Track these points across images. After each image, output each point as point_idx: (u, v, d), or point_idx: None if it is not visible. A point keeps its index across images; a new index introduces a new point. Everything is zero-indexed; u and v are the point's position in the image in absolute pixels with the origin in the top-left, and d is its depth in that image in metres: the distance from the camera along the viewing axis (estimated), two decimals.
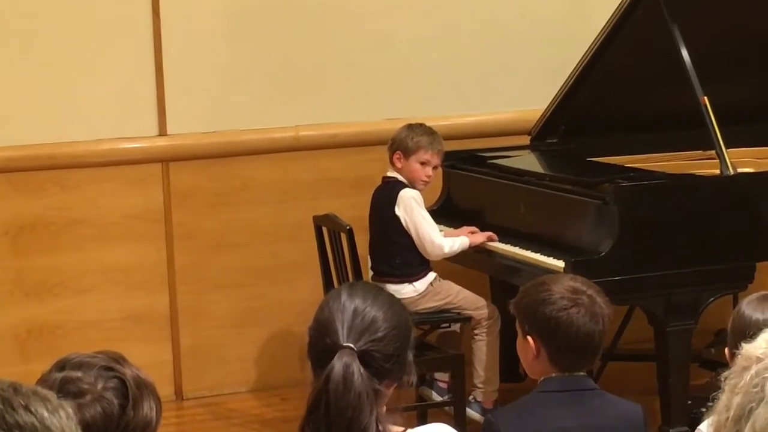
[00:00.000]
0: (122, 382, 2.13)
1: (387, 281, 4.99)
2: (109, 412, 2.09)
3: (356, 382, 2.23)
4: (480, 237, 5.09)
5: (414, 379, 2.42)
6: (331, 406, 2.22)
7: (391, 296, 2.46)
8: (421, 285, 5.08)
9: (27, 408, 1.51)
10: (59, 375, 2.11)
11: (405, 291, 5.01)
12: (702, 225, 4.66)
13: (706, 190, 4.78)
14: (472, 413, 5.09)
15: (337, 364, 2.24)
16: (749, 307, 2.97)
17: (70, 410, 1.55)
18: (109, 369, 2.14)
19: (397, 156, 5.12)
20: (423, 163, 5.11)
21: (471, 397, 5.13)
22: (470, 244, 5.07)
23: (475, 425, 4.81)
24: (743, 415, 1.84)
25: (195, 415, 5.65)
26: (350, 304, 2.33)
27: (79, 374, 2.12)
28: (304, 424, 2.28)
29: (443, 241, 5.05)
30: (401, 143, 5.11)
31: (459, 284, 5.18)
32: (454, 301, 5.10)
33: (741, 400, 1.85)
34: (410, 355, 2.40)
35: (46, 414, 1.52)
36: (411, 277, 5.07)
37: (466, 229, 5.18)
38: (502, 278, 5.29)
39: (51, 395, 1.56)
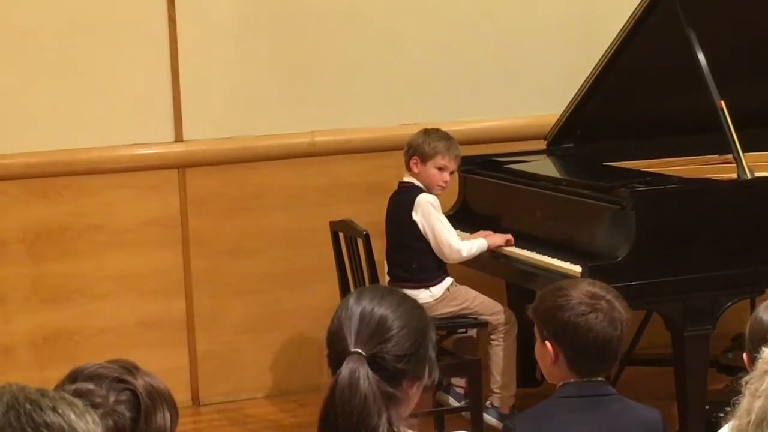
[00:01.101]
0: (134, 394, 2.13)
1: (404, 286, 4.97)
2: (120, 426, 2.09)
3: (362, 387, 2.23)
4: (498, 239, 5.08)
5: (436, 375, 2.40)
6: (338, 412, 2.23)
7: (403, 295, 2.45)
8: (437, 290, 5.07)
9: (54, 410, 1.53)
10: (71, 387, 2.11)
11: (422, 296, 5.00)
12: (719, 229, 4.65)
13: (723, 195, 4.76)
14: (489, 419, 5.08)
15: (344, 370, 2.25)
16: (765, 312, 2.95)
17: (96, 417, 1.56)
18: (122, 381, 2.14)
19: (414, 161, 5.11)
20: (440, 169, 5.11)
21: (488, 403, 5.13)
22: (488, 246, 5.06)
23: (492, 430, 4.81)
24: (765, 419, 1.83)
25: (211, 420, 5.66)
26: (357, 309, 2.33)
27: (91, 386, 2.12)
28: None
29: (461, 244, 5.04)
30: (418, 148, 5.11)
31: (475, 289, 5.18)
32: (470, 306, 5.10)
33: (763, 404, 1.84)
34: (431, 352, 2.38)
35: (73, 417, 1.53)
36: (428, 282, 5.07)
37: (482, 233, 5.17)
38: (518, 283, 5.28)
39: (78, 401, 1.57)
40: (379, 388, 2.25)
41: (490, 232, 5.15)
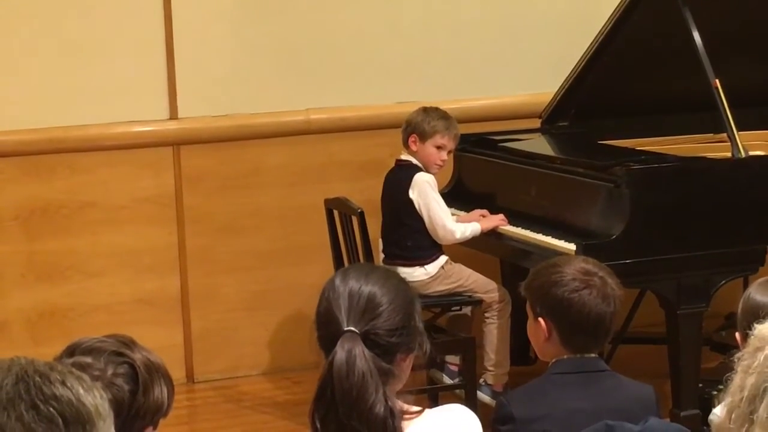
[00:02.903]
0: (132, 367, 2.14)
1: (398, 264, 4.99)
2: (119, 398, 2.10)
3: (359, 365, 2.25)
4: (492, 222, 5.09)
5: (428, 346, 2.41)
6: (336, 391, 2.24)
7: (387, 270, 2.48)
8: (432, 268, 5.08)
9: (63, 383, 1.54)
10: (69, 360, 2.12)
11: (416, 274, 5.01)
12: (713, 208, 4.66)
13: (718, 173, 4.77)
14: (483, 396, 5.09)
15: (339, 350, 2.26)
16: (758, 291, 2.97)
17: (103, 392, 1.57)
18: (119, 354, 2.15)
19: (413, 139, 5.11)
20: (438, 147, 5.11)
21: (482, 381, 5.14)
22: (482, 230, 5.07)
23: (485, 408, 4.82)
24: (757, 395, 1.84)
25: (206, 398, 5.67)
26: (344, 288, 2.35)
27: (89, 360, 2.13)
28: (313, 411, 2.29)
29: (455, 226, 5.05)
30: (417, 126, 5.10)
31: (470, 267, 5.18)
32: (465, 284, 5.10)
33: (755, 380, 1.86)
34: (419, 323, 2.41)
35: (81, 390, 1.55)
36: (422, 260, 5.08)
37: (477, 212, 5.18)
38: (513, 261, 5.29)
39: (85, 375, 1.58)
40: (375, 364, 2.27)
41: (486, 212, 5.16)
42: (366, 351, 2.27)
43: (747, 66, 5.32)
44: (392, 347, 2.33)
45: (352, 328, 2.30)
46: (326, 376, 2.27)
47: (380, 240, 5.23)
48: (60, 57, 5.54)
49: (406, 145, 5.14)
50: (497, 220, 5.09)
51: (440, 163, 5.13)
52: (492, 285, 5.16)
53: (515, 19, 6.12)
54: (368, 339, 2.30)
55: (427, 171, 5.10)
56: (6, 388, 1.52)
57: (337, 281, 2.38)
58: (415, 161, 5.12)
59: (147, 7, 5.63)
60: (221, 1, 5.74)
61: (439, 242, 5.09)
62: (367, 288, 2.35)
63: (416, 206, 5.05)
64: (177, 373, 5.59)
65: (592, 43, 5.30)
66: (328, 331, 2.34)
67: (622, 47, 5.24)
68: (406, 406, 2.33)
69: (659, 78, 5.36)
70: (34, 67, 5.53)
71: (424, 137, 5.09)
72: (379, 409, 2.24)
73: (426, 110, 5.15)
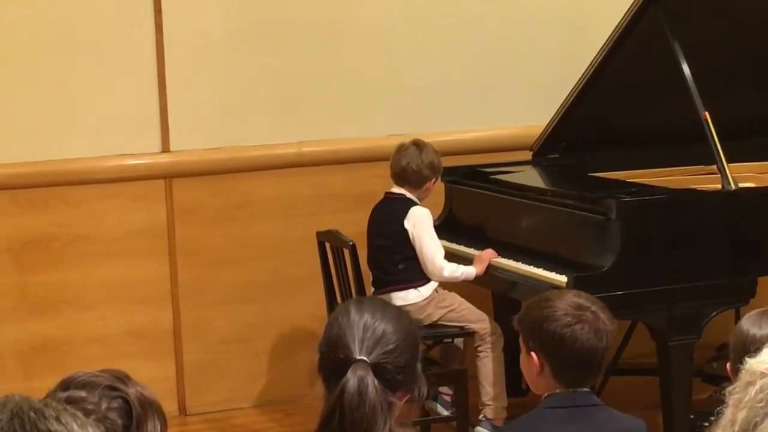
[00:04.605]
0: (126, 402, 2.14)
1: (391, 290, 5.02)
2: None
3: (371, 395, 2.25)
4: (485, 262, 5.06)
5: (425, 389, 2.43)
6: (345, 419, 2.24)
7: (399, 309, 2.50)
8: (426, 290, 5.09)
9: (58, 419, 1.55)
10: (63, 395, 2.12)
11: (410, 296, 5.04)
12: (704, 240, 4.68)
13: (708, 205, 4.79)
14: (483, 431, 5.09)
15: (352, 377, 2.27)
16: (748, 323, 2.98)
17: (96, 429, 1.58)
18: (114, 389, 2.15)
19: (434, 180, 5.15)
20: None
21: (481, 416, 5.13)
22: (477, 274, 5.06)
23: None
24: (748, 430, 1.85)
25: (199, 430, 5.66)
26: (360, 319, 2.36)
27: (83, 394, 2.13)
28: None
29: (445, 263, 5.06)
30: (438, 168, 5.15)
31: None
32: (458, 309, 5.12)
33: (746, 415, 1.86)
34: (419, 367, 2.43)
35: (75, 427, 1.55)
36: (415, 282, 5.09)
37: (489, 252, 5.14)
38: (504, 293, 5.30)
39: (79, 413, 1.59)
40: (385, 397, 2.28)
41: (484, 258, 5.11)
42: (376, 382, 2.28)
43: (736, 97, 5.35)
44: (396, 384, 2.35)
45: (364, 358, 2.31)
46: (336, 403, 2.27)
47: (370, 270, 5.23)
48: (52, 90, 5.55)
49: (417, 186, 5.13)
50: (489, 255, 5.08)
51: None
52: (484, 316, 5.17)
53: (506, 52, 6.15)
54: (377, 372, 2.31)
55: (420, 203, 5.14)
56: (1, 424, 1.52)
57: (353, 311, 2.39)
58: (409, 195, 5.14)
59: (139, 40, 5.65)
60: (214, 34, 5.77)
61: (428, 276, 5.10)
62: (382, 324, 2.36)
63: (410, 237, 5.07)
64: (169, 406, 5.58)
65: (582, 75, 5.33)
66: (335, 356, 2.34)
67: (612, 80, 5.26)
68: None
69: (649, 110, 5.39)
70: (26, 100, 5.54)
71: (438, 176, 5.19)
72: None
73: (427, 148, 5.15)
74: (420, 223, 5.06)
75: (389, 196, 5.22)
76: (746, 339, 2.90)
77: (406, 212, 5.08)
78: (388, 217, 5.17)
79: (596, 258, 4.63)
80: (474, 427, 5.12)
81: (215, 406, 5.83)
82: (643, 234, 4.60)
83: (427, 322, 5.04)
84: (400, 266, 5.10)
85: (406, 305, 4.89)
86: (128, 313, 5.71)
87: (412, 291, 5.08)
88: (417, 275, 5.09)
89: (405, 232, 5.08)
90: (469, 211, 5.55)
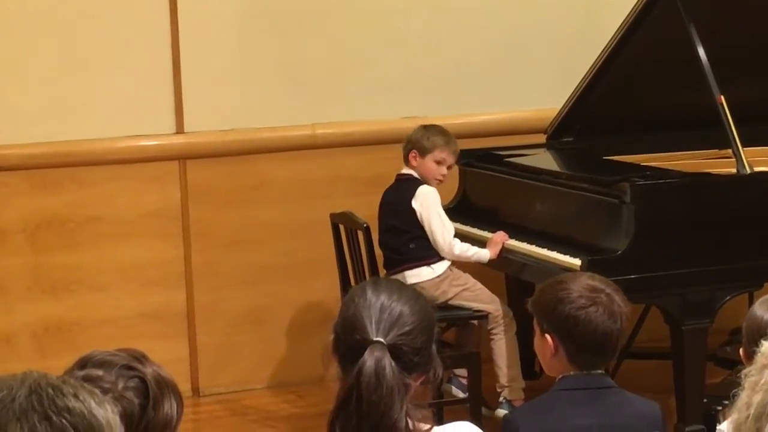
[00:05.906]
0: (143, 381, 2.14)
1: (404, 269, 5.04)
2: (129, 412, 2.10)
3: (388, 376, 2.25)
4: (498, 246, 5.06)
5: (440, 371, 2.43)
6: (363, 401, 2.24)
7: (415, 290, 2.48)
8: (439, 267, 5.10)
9: (76, 396, 1.56)
10: (81, 373, 2.13)
11: (424, 273, 5.05)
12: (718, 224, 4.67)
13: (723, 189, 4.78)
14: (504, 413, 5.09)
15: (369, 358, 2.26)
16: (762, 308, 2.98)
17: (114, 407, 1.59)
18: (130, 368, 2.16)
19: (413, 154, 5.16)
20: (438, 162, 5.16)
21: (501, 399, 5.14)
22: (491, 257, 5.06)
23: (490, 423, 4.83)
24: (764, 413, 1.84)
25: (212, 411, 5.68)
26: (377, 300, 2.35)
27: (100, 373, 2.14)
28: (333, 419, 2.28)
29: (455, 240, 5.07)
30: (417, 142, 5.16)
31: None
32: (473, 289, 5.13)
33: (762, 398, 1.86)
34: (435, 348, 2.42)
35: (93, 404, 1.56)
36: (427, 259, 5.10)
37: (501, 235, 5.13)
38: (517, 276, 5.30)
39: (97, 390, 1.60)
40: (401, 378, 2.27)
41: (497, 241, 5.11)
42: (393, 363, 2.27)
43: (752, 82, 5.33)
44: (412, 366, 2.34)
45: (381, 339, 2.30)
46: (353, 384, 2.26)
47: (382, 251, 5.23)
48: (67, 71, 5.56)
49: (406, 161, 5.19)
50: (501, 238, 5.08)
51: (440, 177, 5.18)
52: (496, 299, 5.19)
53: (521, 34, 6.14)
54: (393, 353, 2.30)
55: (428, 185, 5.15)
56: (19, 400, 1.53)
57: (369, 291, 2.37)
58: (416, 175, 5.16)
59: (154, 22, 5.65)
60: (228, 16, 5.76)
61: (440, 253, 5.11)
62: (399, 305, 2.35)
63: (418, 216, 5.09)
64: (182, 387, 5.50)
65: (597, 58, 5.32)
66: (351, 337, 2.33)
67: (627, 63, 5.25)
68: (417, 423, 2.34)
69: (664, 94, 5.37)
70: (41, 81, 5.54)
71: (423, 152, 5.14)
72: (402, 424, 2.24)
73: (426, 127, 5.23)
74: (427, 201, 5.08)
75: (399, 177, 5.25)
76: (760, 323, 2.90)
77: (414, 192, 5.10)
78: (397, 198, 5.19)
79: (610, 241, 4.63)
80: (494, 410, 5.13)
81: (228, 387, 5.85)
82: (657, 217, 4.59)
83: (441, 299, 5.03)
84: (411, 245, 5.11)
85: (421, 282, 4.92)
86: (142, 295, 5.72)
87: (425, 268, 5.09)
88: (429, 252, 5.10)
89: (413, 211, 5.10)
90: (483, 193, 5.54)
